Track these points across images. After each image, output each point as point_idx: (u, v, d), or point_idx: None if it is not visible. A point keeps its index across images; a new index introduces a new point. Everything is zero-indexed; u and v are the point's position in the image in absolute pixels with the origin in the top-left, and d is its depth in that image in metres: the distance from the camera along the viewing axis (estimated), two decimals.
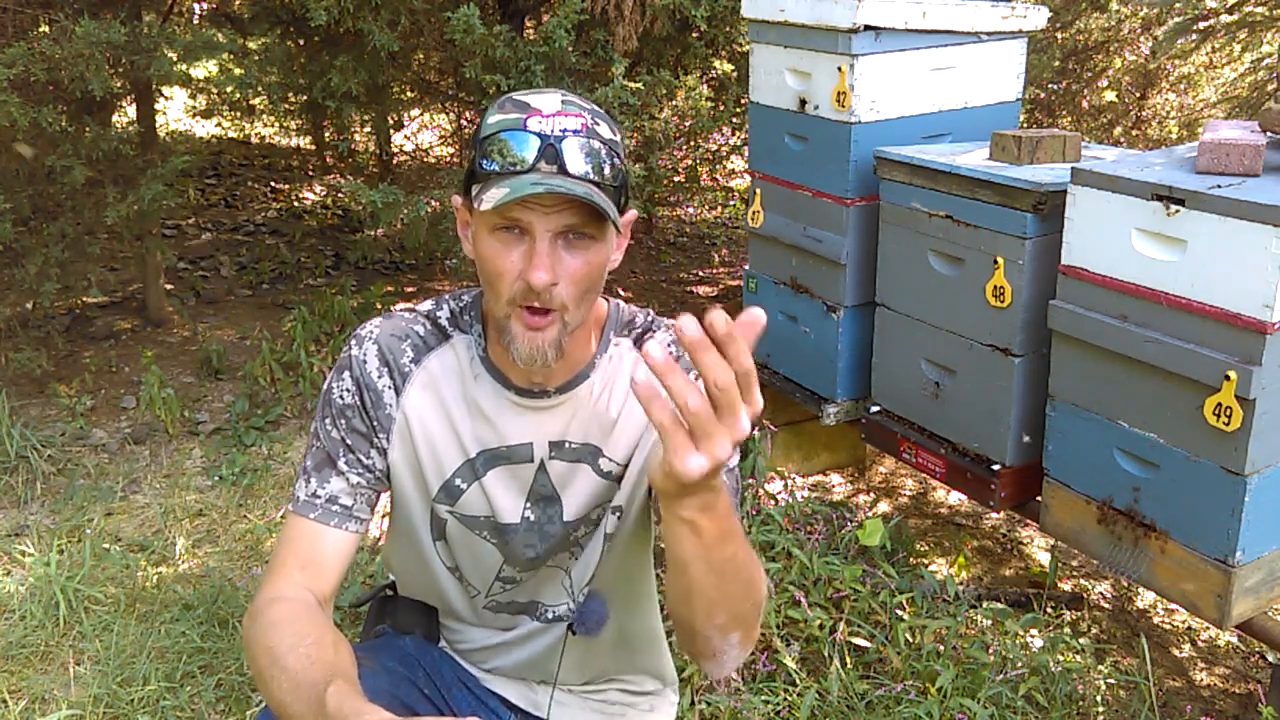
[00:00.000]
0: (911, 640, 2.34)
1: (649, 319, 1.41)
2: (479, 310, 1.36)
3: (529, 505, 1.36)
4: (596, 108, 1.23)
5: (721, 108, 4.11)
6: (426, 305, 1.39)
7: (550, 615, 1.46)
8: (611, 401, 1.36)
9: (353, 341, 1.36)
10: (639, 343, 1.38)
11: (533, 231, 1.17)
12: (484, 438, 1.34)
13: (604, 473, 1.38)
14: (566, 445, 1.35)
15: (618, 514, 1.42)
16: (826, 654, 2.29)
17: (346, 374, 1.34)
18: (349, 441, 1.33)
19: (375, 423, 1.33)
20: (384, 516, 1.48)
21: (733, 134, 4.86)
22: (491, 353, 1.33)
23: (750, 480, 2.96)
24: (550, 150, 1.16)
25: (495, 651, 1.50)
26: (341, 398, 1.33)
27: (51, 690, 2.31)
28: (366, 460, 1.33)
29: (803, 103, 2.82)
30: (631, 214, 1.30)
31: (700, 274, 5.22)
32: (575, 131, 1.18)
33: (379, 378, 1.33)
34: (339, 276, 4.74)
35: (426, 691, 1.42)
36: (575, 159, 1.16)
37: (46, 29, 3.30)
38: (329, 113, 4.13)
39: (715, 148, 4.82)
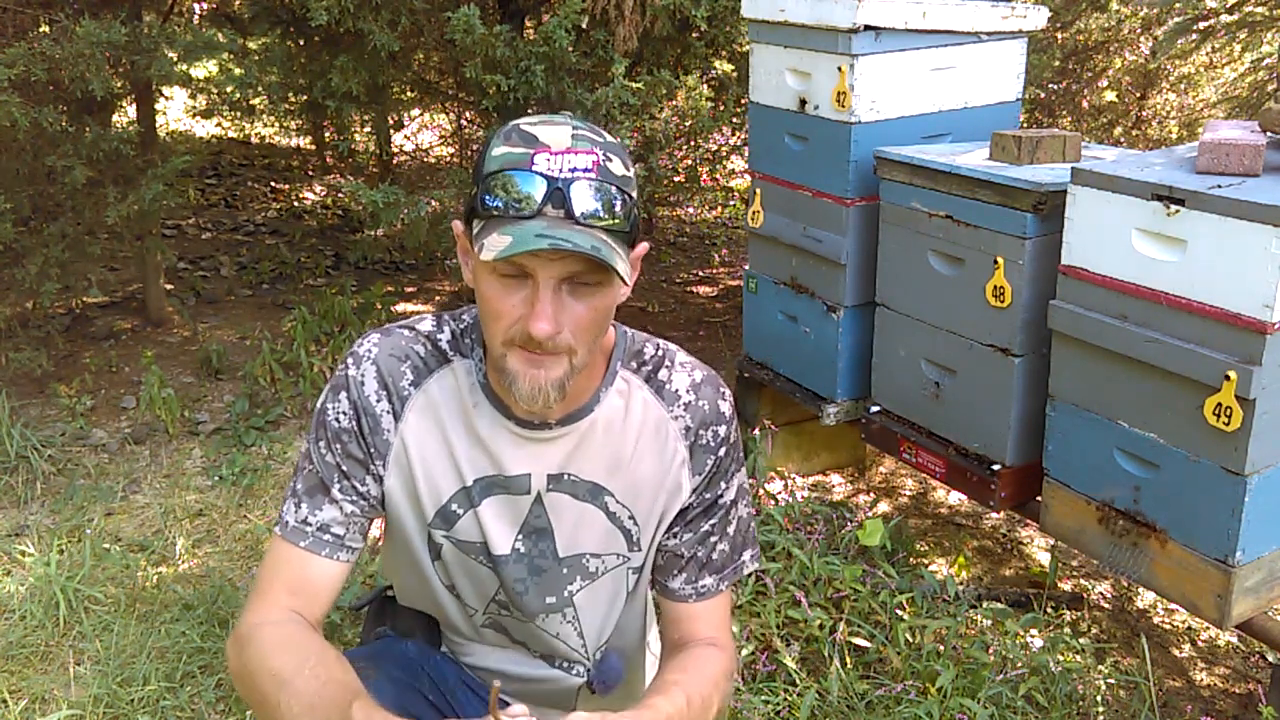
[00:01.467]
0: (911, 640, 2.34)
1: (659, 351, 1.36)
2: (479, 333, 1.30)
3: (520, 537, 1.33)
4: (609, 139, 1.17)
5: (721, 108, 4.11)
6: (427, 325, 1.33)
7: (563, 665, 1.44)
8: (623, 441, 1.32)
9: (349, 360, 1.30)
10: (650, 382, 1.34)
11: (536, 277, 1.12)
12: (481, 466, 1.30)
13: (612, 515, 1.34)
14: (566, 478, 1.31)
15: (637, 574, 1.40)
16: (826, 654, 2.29)
17: (343, 395, 1.29)
18: (344, 468, 1.28)
19: (372, 449, 1.29)
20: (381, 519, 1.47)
21: (733, 134, 4.86)
22: (491, 379, 1.28)
23: (750, 480, 2.96)
24: (558, 194, 1.10)
25: (502, 679, 1.48)
26: (337, 420, 1.28)
27: (51, 690, 2.30)
28: (361, 488, 1.29)
29: (803, 103, 2.82)
30: (642, 248, 1.24)
31: (700, 274, 5.22)
32: (585, 171, 1.11)
33: (377, 402, 1.28)
34: (339, 276, 4.73)
35: (431, 698, 1.40)
36: (584, 201, 1.11)
37: (47, 29, 3.30)
38: (329, 113, 4.12)
39: (715, 148, 4.82)
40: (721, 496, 1.37)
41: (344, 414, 1.28)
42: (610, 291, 1.17)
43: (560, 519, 1.33)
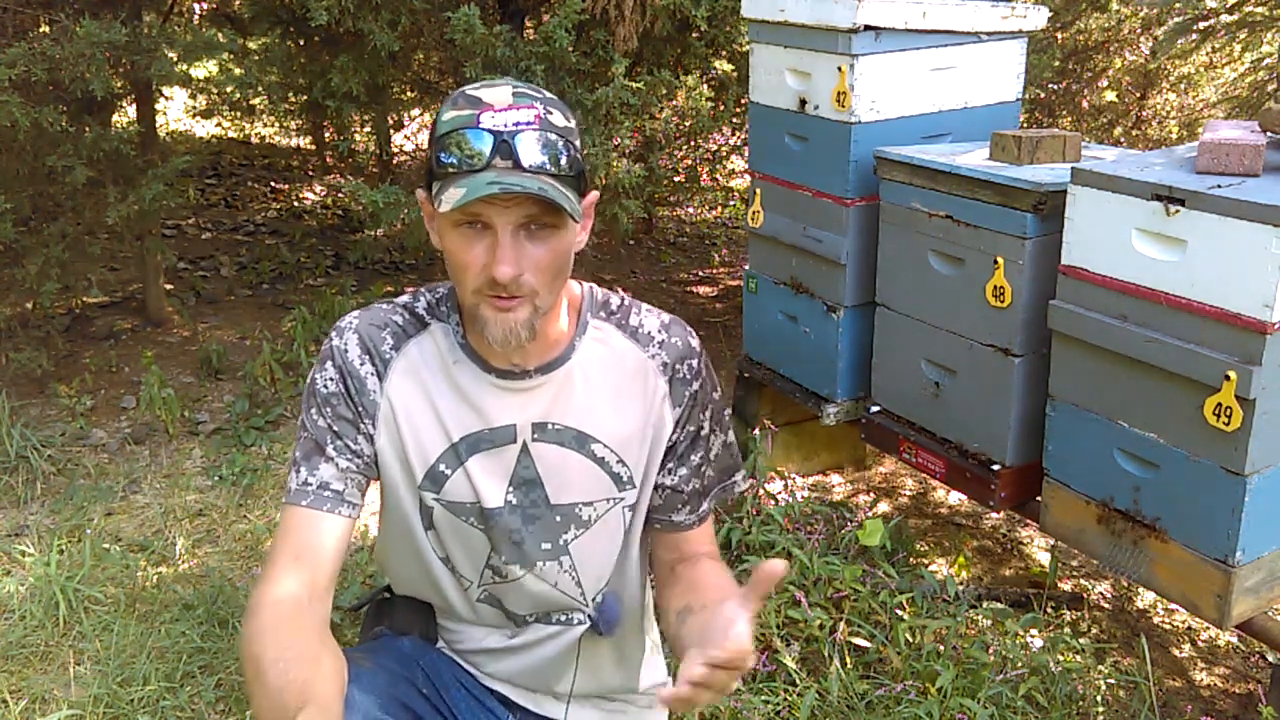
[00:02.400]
0: (911, 640, 2.34)
1: (624, 300, 1.45)
2: (454, 300, 1.38)
3: (511, 489, 1.37)
4: (548, 94, 1.26)
5: (721, 108, 4.10)
6: (403, 298, 1.42)
7: (560, 619, 1.46)
8: (601, 386, 1.38)
9: (333, 333, 1.38)
10: (623, 328, 1.41)
11: (494, 225, 1.20)
12: (466, 422, 1.35)
13: (600, 460, 1.38)
14: (551, 427, 1.37)
15: (632, 511, 1.43)
16: (826, 654, 2.29)
17: (329, 364, 1.35)
18: (336, 428, 1.34)
19: (360, 409, 1.35)
20: (375, 515, 1.47)
21: (733, 134, 4.86)
22: (470, 337, 1.36)
23: (750, 480, 2.96)
24: (504, 146, 1.19)
25: (497, 656, 1.50)
26: (326, 386, 1.35)
27: (51, 690, 2.31)
28: (354, 446, 1.34)
29: (803, 103, 2.82)
30: (592, 196, 1.33)
31: (700, 274, 5.22)
32: (528, 124, 1.20)
33: (361, 365, 1.35)
34: (339, 276, 4.74)
35: (424, 691, 1.42)
36: (530, 152, 1.19)
37: (47, 29, 3.30)
38: (329, 113, 4.12)
39: (715, 148, 4.82)
40: (702, 428, 1.45)
41: (331, 379, 1.35)
42: (565, 235, 1.25)
43: (548, 469, 1.38)
